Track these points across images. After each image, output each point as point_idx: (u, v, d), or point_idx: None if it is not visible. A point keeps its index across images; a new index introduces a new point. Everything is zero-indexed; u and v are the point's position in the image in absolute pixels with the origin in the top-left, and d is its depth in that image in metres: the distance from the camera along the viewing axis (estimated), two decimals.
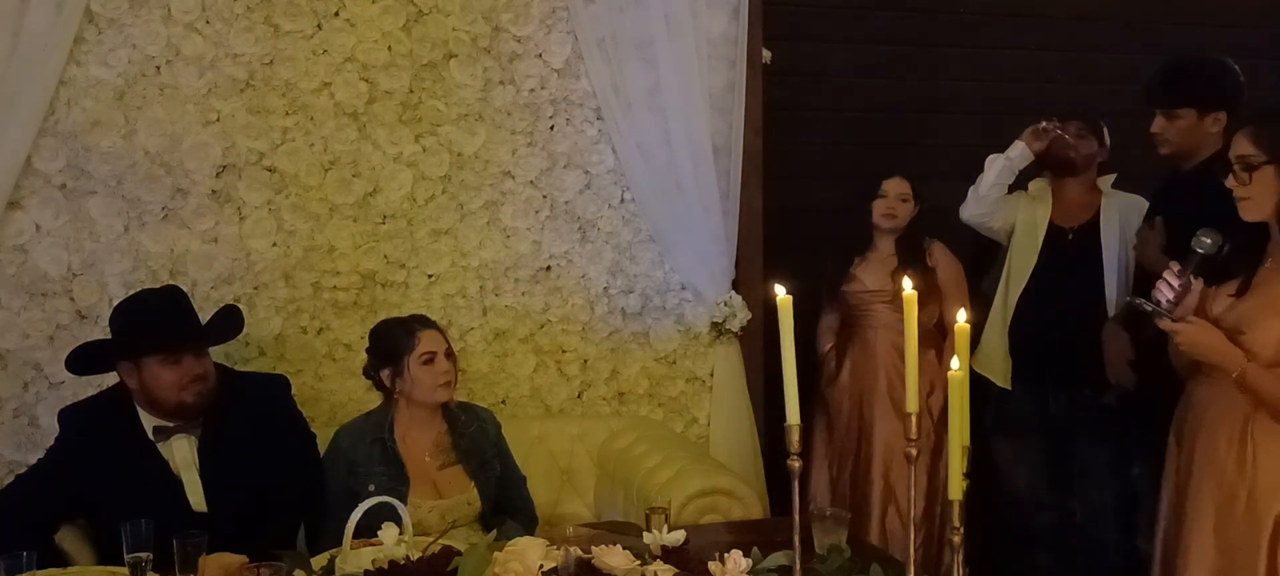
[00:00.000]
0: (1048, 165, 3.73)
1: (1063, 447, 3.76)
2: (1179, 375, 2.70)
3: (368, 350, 3.01)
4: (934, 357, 3.77)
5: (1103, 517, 3.65)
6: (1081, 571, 3.77)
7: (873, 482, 3.83)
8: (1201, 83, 3.25)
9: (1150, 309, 2.50)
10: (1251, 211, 2.48)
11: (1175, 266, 2.52)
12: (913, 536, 2.00)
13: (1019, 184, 3.92)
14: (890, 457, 3.82)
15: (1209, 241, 2.51)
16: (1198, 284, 2.53)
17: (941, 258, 3.85)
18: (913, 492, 2.00)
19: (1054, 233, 3.72)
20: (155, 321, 2.79)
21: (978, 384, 3.61)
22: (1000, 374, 3.83)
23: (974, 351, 3.69)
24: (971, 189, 3.78)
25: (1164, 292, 2.50)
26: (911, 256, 3.82)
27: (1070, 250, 3.67)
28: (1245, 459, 2.46)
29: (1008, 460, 3.84)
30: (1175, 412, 2.69)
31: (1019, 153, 3.66)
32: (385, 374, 2.93)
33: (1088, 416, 3.61)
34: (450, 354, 2.96)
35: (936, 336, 3.82)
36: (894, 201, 3.83)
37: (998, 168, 3.69)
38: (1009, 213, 3.76)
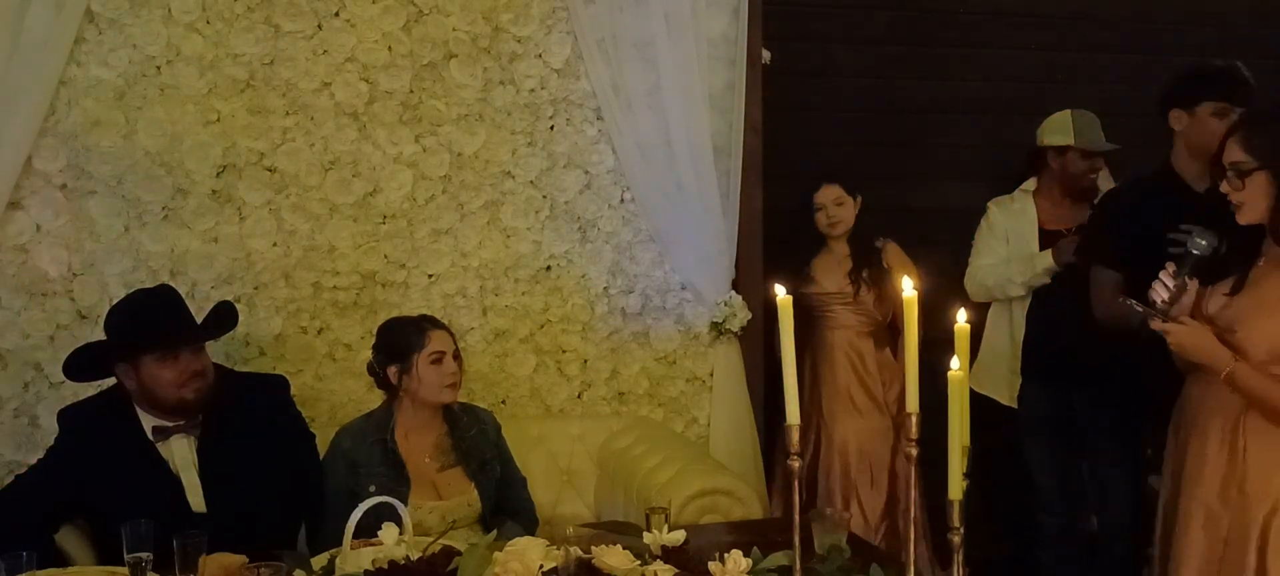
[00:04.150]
0: (1069, 195, 3.78)
1: (1082, 448, 3.75)
2: (1181, 373, 2.69)
3: (375, 347, 3.01)
4: (889, 355, 3.91)
5: (1120, 516, 3.64)
6: (1094, 570, 3.76)
7: (834, 479, 3.85)
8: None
9: (1143, 310, 2.48)
10: (1247, 215, 2.47)
11: (1171, 267, 2.49)
12: (913, 535, 2.00)
13: (1004, 188, 3.93)
14: (851, 455, 3.84)
15: (1204, 242, 2.48)
16: (1193, 284, 2.51)
17: (895, 258, 3.86)
18: (914, 492, 1.99)
19: (1051, 238, 3.72)
20: (149, 319, 2.78)
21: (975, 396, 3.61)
22: (1005, 391, 3.82)
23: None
24: (991, 285, 3.85)
25: (1159, 293, 2.48)
26: (867, 256, 3.85)
27: None
28: (1236, 456, 2.46)
29: (1027, 462, 3.84)
30: (1173, 409, 2.69)
31: (1044, 267, 3.69)
32: (392, 370, 2.93)
33: (1108, 415, 3.60)
34: (457, 356, 2.97)
35: (890, 335, 3.91)
36: (832, 209, 3.86)
37: (1028, 277, 3.75)
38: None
